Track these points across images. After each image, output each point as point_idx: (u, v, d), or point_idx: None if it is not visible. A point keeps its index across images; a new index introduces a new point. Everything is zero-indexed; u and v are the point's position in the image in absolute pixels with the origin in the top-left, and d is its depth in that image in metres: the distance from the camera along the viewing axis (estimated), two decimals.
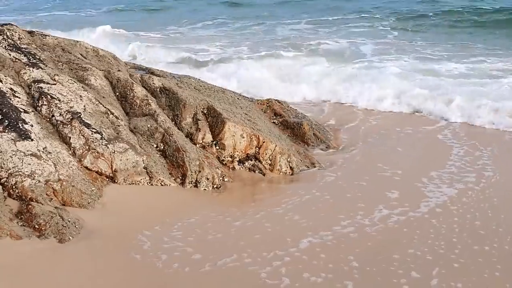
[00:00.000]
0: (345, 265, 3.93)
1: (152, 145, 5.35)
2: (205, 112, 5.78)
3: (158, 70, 6.85)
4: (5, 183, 4.39)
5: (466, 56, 11.13)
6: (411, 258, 4.03)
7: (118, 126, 5.31)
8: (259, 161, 5.70)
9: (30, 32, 6.31)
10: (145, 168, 5.06)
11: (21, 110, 4.99)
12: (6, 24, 6.12)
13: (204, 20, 17.31)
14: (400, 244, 4.27)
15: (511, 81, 8.93)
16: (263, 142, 5.68)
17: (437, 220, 4.64)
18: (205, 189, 5.13)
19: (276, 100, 7.09)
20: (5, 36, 5.84)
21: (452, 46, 12.29)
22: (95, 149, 4.95)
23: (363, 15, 16.84)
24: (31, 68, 5.49)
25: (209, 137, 5.64)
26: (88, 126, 5.08)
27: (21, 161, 4.50)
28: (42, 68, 5.56)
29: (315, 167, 5.89)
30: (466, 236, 4.38)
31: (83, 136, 4.99)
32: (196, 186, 5.14)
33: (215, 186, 5.21)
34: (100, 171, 4.91)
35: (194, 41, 13.95)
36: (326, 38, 13.53)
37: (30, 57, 5.69)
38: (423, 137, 7.03)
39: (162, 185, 5.03)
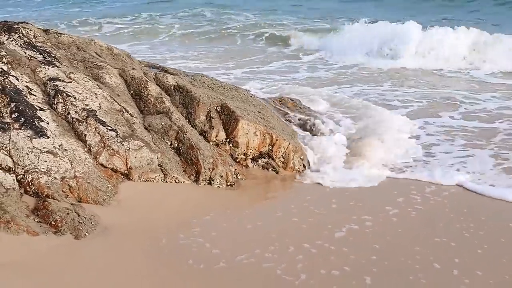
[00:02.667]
0: (363, 258, 3.88)
1: (167, 143, 5.37)
2: (218, 110, 5.79)
3: (171, 68, 6.88)
4: (22, 180, 4.43)
5: None
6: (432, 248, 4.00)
7: (133, 123, 5.33)
8: (273, 159, 5.70)
9: (45, 31, 6.35)
10: (159, 165, 5.08)
11: (37, 107, 5.02)
12: (21, 22, 6.16)
13: None
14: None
15: None
16: (276, 140, 5.68)
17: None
18: (218, 187, 5.15)
19: (289, 97, 7.10)
20: (20, 35, 5.88)
21: None
22: (110, 147, 4.97)
23: None
24: (46, 66, 5.53)
25: (222, 135, 5.64)
26: (103, 123, 5.10)
27: (37, 158, 4.54)
28: (57, 66, 5.60)
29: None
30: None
31: (99, 133, 5.02)
32: (210, 183, 5.16)
33: (228, 183, 5.22)
34: (115, 168, 4.94)
35: None
36: None
37: (46, 55, 5.73)
38: None
39: (176, 182, 5.05)
